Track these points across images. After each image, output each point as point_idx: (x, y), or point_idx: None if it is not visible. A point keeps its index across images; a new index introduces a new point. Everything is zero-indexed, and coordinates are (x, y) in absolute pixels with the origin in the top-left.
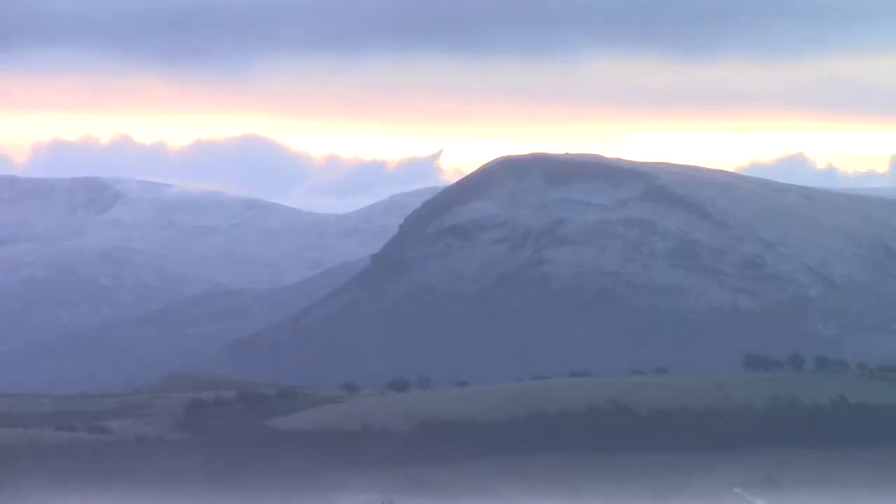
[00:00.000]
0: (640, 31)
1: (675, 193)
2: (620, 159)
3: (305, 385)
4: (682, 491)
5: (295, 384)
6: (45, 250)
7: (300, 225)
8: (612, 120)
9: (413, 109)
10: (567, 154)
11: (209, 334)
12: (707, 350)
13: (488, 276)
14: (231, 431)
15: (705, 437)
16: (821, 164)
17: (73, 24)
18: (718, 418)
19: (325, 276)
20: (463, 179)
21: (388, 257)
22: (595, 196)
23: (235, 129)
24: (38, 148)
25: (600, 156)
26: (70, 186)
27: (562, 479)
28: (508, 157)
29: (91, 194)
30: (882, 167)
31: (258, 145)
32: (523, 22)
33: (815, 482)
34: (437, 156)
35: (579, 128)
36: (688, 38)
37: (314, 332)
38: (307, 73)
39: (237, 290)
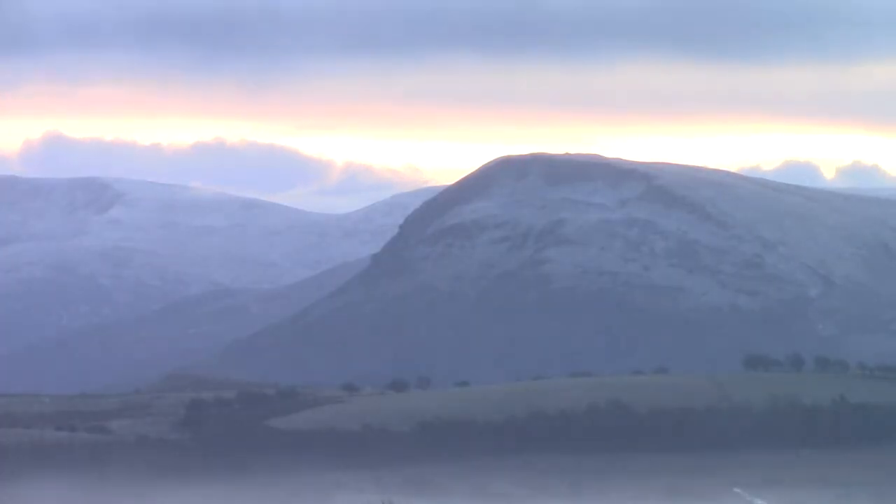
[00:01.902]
0: (644, 36)
1: (675, 193)
2: (620, 159)
3: (305, 385)
4: (682, 491)
5: (295, 384)
6: (45, 250)
7: (300, 225)
8: (613, 123)
9: (413, 114)
10: (567, 154)
11: (209, 334)
12: (707, 350)
13: (488, 276)
14: (231, 431)
15: (705, 437)
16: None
17: (79, 26)
18: (718, 418)
19: (325, 276)
20: (463, 179)
21: (388, 257)
22: (595, 196)
23: (236, 131)
24: (38, 148)
25: (600, 156)
26: (70, 186)
27: (562, 478)
28: (508, 156)
29: (91, 194)
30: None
31: (258, 146)
32: (521, 28)
33: (815, 482)
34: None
35: (580, 130)
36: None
37: (314, 332)
38: (315, 78)
39: (237, 290)
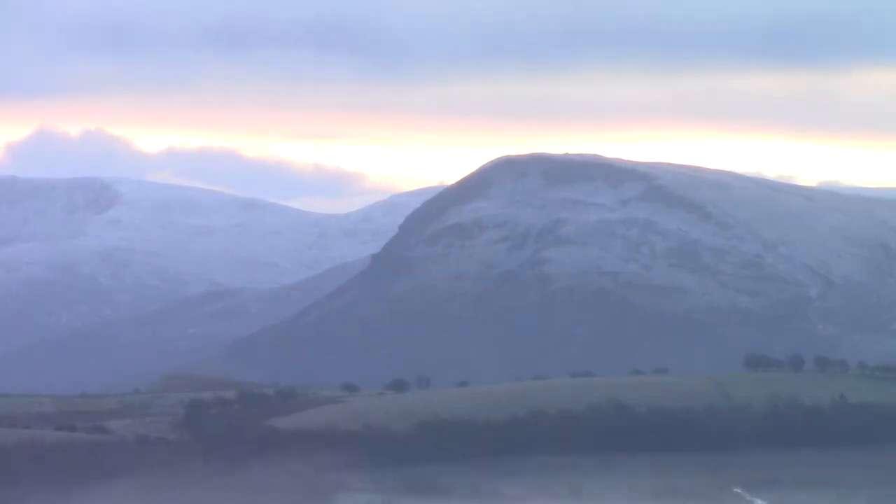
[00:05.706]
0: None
1: (675, 193)
2: (620, 159)
3: (305, 385)
4: (682, 491)
5: (295, 384)
6: (45, 250)
7: (300, 225)
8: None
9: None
10: (567, 154)
11: (209, 334)
12: (707, 350)
13: (488, 276)
14: (231, 431)
15: (705, 437)
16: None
17: (81, 29)
18: (718, 418)
19: (325, 276)
20: (463, 179)
21: (388, 257)
22: (595, 196)
23: (235, 132)
24: (38, 148)
25: (600, 156)
26: (70, 186)
27: (562, 479)
28: (508, 156)
29: (91, 194)
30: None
31: (257, 147)
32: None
33: (815, 482)
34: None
35: (581, 135)
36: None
37: (314, 332)
38: (319, 83)
39: (237, 290)
